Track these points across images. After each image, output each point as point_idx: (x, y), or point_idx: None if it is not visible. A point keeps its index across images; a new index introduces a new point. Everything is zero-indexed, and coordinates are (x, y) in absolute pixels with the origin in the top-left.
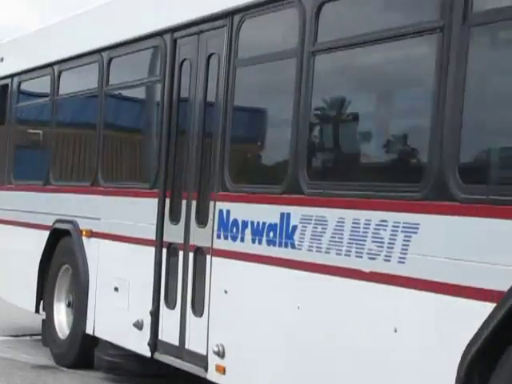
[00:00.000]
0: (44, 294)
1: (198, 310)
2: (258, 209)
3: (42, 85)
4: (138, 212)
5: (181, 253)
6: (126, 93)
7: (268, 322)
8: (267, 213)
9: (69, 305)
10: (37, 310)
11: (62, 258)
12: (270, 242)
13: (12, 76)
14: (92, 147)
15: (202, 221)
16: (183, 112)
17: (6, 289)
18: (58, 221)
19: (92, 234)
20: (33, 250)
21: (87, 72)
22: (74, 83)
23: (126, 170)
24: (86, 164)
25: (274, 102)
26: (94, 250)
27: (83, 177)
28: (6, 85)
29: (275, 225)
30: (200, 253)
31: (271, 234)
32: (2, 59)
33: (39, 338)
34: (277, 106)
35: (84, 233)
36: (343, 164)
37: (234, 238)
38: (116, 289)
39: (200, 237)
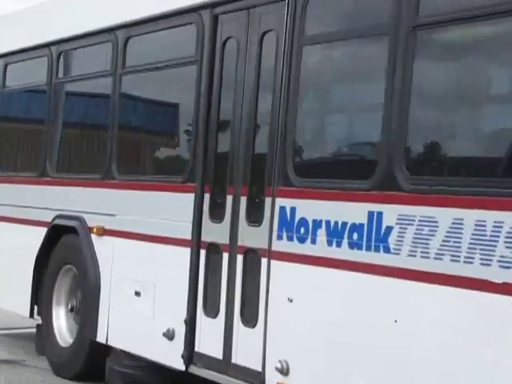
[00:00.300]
0: (40, 297)
1: (250, 319)
2: (337, 207)
3: (35, 67)
4: (167, 208)
5: (225, 254)
6: (146, 75)
7: (349, 337)
8: (349, 211)
9: (72, 309)
10: (31, 315)
11: (63, 257)
12: (353, 245)
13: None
14: (103, 136)
15: (254, 219)
16: (227, 95)
17: None
18: (58, 217)
19: (104, 232)
20: (26, 249)
21: (96, 53)
22: (78, 65)
23: (148, 161)
24: (96, 155)
25: (354, 84)
26: (106, 249)
27: (92, 169)
28: None
29: (360, 225)
30: (252, 255)
31: (355, 236)
32: None
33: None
34: (362, 88)
35: (95, 230)
36: (459, 157)
37: (302, 240)
38: (137, 293)
39: (252, 237)
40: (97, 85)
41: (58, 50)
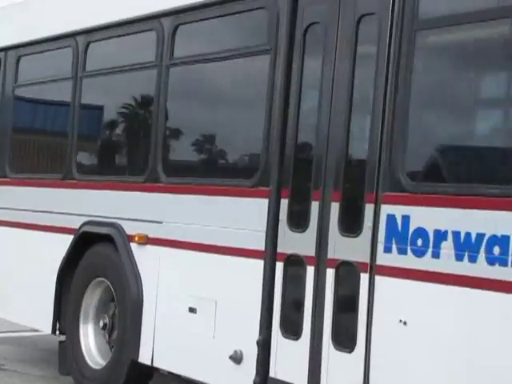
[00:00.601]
0: (63, 311)
1: (345, 342)
2: (469, 215)
3: (55, 59)
4: (231, 215)
5: (310, 268)
6: (197, 67)
7: (481, 370)
8: (487, 222)
9: (104, 327)
10: (53, 331)
11: (93, 269)
12: (495, 261)
13: (6, 50)
14: (146, 133)
15: (349, 228)
16: (309, 87)
17: (7, 305)
18: (87, 223)
19: (148, 241)
20: (47, 259)
21: (133, 42)
22: (111, 57)
23: (204, 162)
24: (135, 154)
25: (483, 75)
26: (150, 259)
27: (130, 170)
28: None
29: (505, 238)
30: (346, 269)
31: (496, 251)
32: None
33: None
34: (491, 80)
35: (136, 238)
36: None
37: (420, 253)
38: (192, 310)
39: (347, 249)
40: (135, 78)
41: (86, 40)
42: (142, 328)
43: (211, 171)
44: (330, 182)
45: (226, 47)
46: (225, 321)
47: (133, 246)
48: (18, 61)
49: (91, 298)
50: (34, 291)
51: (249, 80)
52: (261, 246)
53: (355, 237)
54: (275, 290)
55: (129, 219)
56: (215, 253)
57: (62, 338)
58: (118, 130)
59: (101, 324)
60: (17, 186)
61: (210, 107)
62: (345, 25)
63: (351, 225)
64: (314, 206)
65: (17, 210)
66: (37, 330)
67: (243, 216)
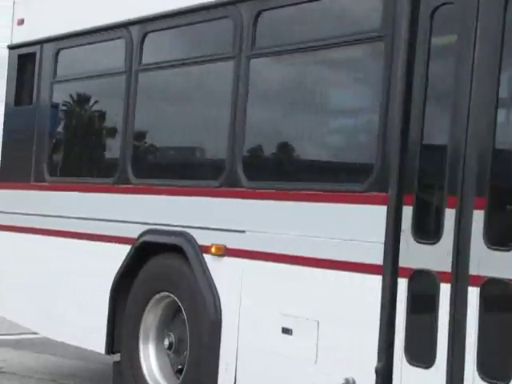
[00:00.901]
0: (118, 329)
1: (495, 372)
2: None
3: (103, 52)
4: (337, 224)
5: (444, 286)
6: (286, 57)
7: None
8: None
9: (169, 347)
10: (108, 351)
11: (156, 282)
12: None
13: (41, 42)
14: (222, 131)
15: (500, 241)
16: (438, 77)
17: (52, 322)
18: (148, 232)
19: (227, 252)
20: (100, 271)
21: (200, 32)
22: (173, 48)
23: (298, 163)
24: (206, 156)
25: None
26: (230, 273)
27: (202, 173)
28: (31, 54)
29: None
30: (497, 289)
31: None
32: (21, 21)
33: None
34: None
35: (213, 250)
36: None
37: None
38: (287, 330)
39: (497, 265)
40: (209, 71)
41: (143, 31)
42: (221, 350)
43: (310, 174)
44: (471, 186)
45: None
46: (331, 343)
47: (207, 257)
48: (56, 54)
49: (153, 314)
50: (83, 307)
51: (358, 70)
52: (377, 259)
53: (508, 251)
54: (397, 309)
55: (201, 228)
56: (316, 267)
57: (116, 357)
58: (186, 128)
59: (166, 343)
60: (57, 191)
61: (305, 103)
62: (490, 3)
63: (501, 236)
64: (449, 214)
65: (59, 217)
66: (36, 333)
67: (352, 225)
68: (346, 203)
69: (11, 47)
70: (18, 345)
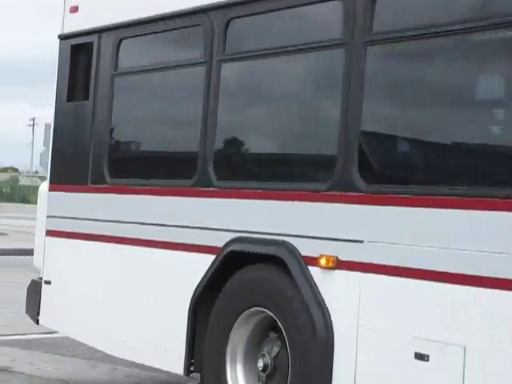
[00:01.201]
0: (198, 348)
1: None
2: None
3: (174, 42)
4: (488, 234)
5: None
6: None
7: None
8: None
9: (264, 369)
10: (187, 372)
11: (247, 296)
12: None
13: (100, 31)
14: (329, 127)
15: None
16: None
17: (121, 341)
18: (237, 240)
19: (340, 265)
20: (175, 284)
21: (303, 16)
22: (264, 36)
23: (431, 162)
24: (312, 154)
25: None
26: (344, 288)
27: (303, 175)
28: (87, 44)
29: None
30: None
31: None
32: (74, 8)
33: None
34: None
35: (323, 262)
36: None
37: None
38: (421, 356)
39: None
40: (311, 59)
41: (226, 17)
42: (334, 375)
43: (446, 176)
44: None
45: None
46: (483, 373)
47: (313, 270)
48: (118, 45)
49: (242, 332)
50: (158, 324)
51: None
52: None
53: None
54: None
55: (305, 236)
56: (462, 284)
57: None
58: (284, 124)
59: (260, 365)
60: (121, 194)
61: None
62: None
63: None
64: None
65: (124, 223)
66: (47, 332)
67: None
68: (500, 210)
69: (63, 37)
70: (27, 345)
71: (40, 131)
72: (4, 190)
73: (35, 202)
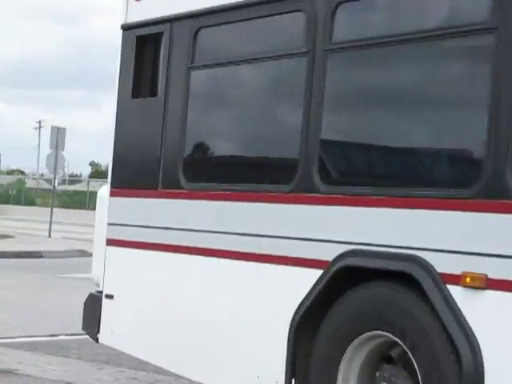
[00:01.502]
0: (299, 376)
1: None
2: None
3: (265, 30)
4: None
5: None
6: None
7: None
8: None
9: None
10: None
11: (365, 318)
12: None
13: (172, 20)
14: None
15: None
16: None
17: (204, 366)
18: (351, 254)
19: (489, 284)
20: (272, 301)
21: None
22: (383, 22)
23: None
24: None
25: None
26: (495, 312)
27: (441, 179)
28: (155, 35)
29: None
30: None
31: None
32: None
33: None
34: None
35: (468, 280)
36: None
37: None
38: None
39: None
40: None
41: (334, 2)
42: None
43: None
44: None
45: None
46: None
47: (454, 289)
48: (195, 34)
49: (356, 358)
50: (248, 347)
51: None
52: None
53: None
54: None
55: (440, 250)
56: None
57: None
58: (409, 123)
59: None
60: (200, 200)
61: None
62: None
63: None
64: None
65: (206, 232)
66: (52, 335)
67: None
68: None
69: (126, 27)
70: (33, 347)
71: (46, 134)
72: (10, 192)
73: (41, 205)
